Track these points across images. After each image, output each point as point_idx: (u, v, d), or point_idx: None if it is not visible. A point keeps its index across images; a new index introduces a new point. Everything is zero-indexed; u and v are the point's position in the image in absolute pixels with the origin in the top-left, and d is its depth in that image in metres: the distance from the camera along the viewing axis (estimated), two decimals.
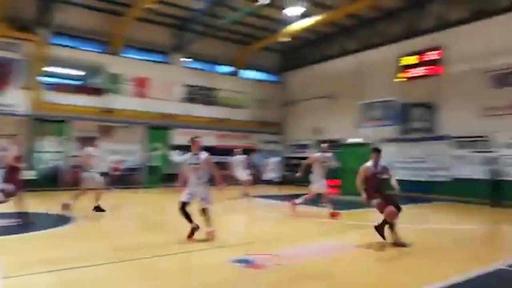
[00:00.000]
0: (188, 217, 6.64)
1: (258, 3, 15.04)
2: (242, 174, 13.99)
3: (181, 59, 20.22)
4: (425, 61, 15.96)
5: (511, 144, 13.36)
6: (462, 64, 14.81)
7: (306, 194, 9.88)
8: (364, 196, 6.82)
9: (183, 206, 6.61)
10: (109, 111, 17.57)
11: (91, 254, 5.63)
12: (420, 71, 16.13)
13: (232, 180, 13.04)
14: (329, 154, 12.38)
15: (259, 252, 5.83)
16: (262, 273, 4.94)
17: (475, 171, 13.52)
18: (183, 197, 6.63)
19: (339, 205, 12.67)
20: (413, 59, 16.39)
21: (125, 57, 18.59)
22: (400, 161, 16.67)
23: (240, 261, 5.33)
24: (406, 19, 16.86)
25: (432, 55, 15.75)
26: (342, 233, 8.08)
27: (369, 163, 6.98)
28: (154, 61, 19.47)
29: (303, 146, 21.53)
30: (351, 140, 18.79)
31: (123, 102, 18.00)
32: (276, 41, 19.60)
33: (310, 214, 10.88)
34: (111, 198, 10.96)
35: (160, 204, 12.28)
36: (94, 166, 9.44)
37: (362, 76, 18.53)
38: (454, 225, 9.09)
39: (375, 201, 6.75)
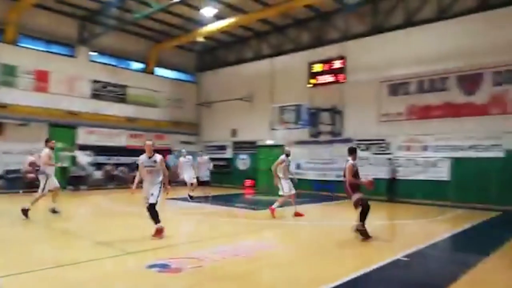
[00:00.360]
0: (156, 217, 6.99)
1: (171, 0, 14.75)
2: (189, 175, 13.65)
3: (89, 53, 18.86)
4: (331, 69, 17.18)
5: (402, 147, 15.04)
6: (362, 73, 16.26)
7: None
8: (349, 191, 7.29)
9: (153, 207, 6.98)
10: (2, 106, 15.64)
11: None
12: (327, 78, 17.29)
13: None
14: (206, 157, 13.84)
15: (176, 255, 5.71)
16: (178, 277, 4.84)
17: (376, 171, 14.87)
18: (151, 199, 7.00)
19: (255, 205, 13.05)
20: (321, 67, 17.53)
21: (22, 47, 16.71)
22: (310, 162, 17.71)
23: (155, 266, 5.15)
24: (315, 28, 17.97)
25: (337, 64, 17.01)
26: (258, 233, 8.27)
27: (352, 161, 7.32)
28: (57, 53, 17.80)
29: (221, 148, 21.59)
30: (263, 143, 19.41)
31: (19, 96, 16.17)
32: (192, 40, 19.40)
33: (225, 214, 10.96)
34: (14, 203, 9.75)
35: (66, 209, 11.24)
36: None
37: (275, 80, 19.27)
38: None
39: (357, 196, 7.18)
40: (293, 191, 10.10)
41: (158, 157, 7.24)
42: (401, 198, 14.13)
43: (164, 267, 5.13)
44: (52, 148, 9.64)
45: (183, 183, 14.02)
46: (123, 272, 5.08)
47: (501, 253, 6.49)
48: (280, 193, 10.11)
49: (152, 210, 7.03)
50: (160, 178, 7.25)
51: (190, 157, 14.14)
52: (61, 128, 17.43)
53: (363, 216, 7.23)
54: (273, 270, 5.33)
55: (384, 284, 5.06)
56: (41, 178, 9.45)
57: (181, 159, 14.02)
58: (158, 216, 7.04)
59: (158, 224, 7.02)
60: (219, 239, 7.38)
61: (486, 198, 12.80)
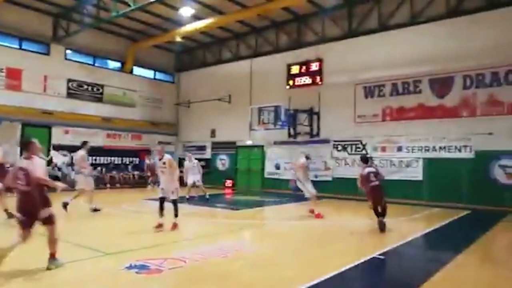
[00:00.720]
0: (162, 210, 7.93)
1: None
2: (195, 178, 13.37)
3: (64, 52, 18.44)
4: (309, 71, 17.42)
5: (378, 148, 15.41)
6: (339, 75, 16.57)
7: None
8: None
9: (162, 201, 8.01)
10: None
11: None
12: (305, 79, 17.52)
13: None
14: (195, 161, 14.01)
15: (155, 256, 5.70)
16: (157, 278, 4.85)
17: (354, 171, 15.15)
18: (172, 196, 8.04)
19: (235, 205, 13.11)
20: (298, 69, 17.74)
21: None
22: (288, 162, 17.86)
23: (134, 267, 5.14)
24: (293, 31, 18.18)
25: (314, 66, 17.26)
26: (238, 233, 8.34)
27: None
28: (30, 51, 17.33)
29: (200, 148, 21.52)
30: (243, 143, 19.48)
31: None
32: (170, 40, 19.26)
33: (205, 214, 10.98)
34: None
35: None
36: None
37: (254, 81, 19.37)
38: (338, 220, 10.11)
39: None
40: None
41: (166, 158, 8.10)
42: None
43: (143, 268, 5.11)
44: (88, 151, 10.46)
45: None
46: (100, 274, 5.03)
47: (472, 250, 6.77)
48: (307, 195, 10.24)
49: (175, 205, 8.02)
50: (174, 177, 8.17)
51: (196, 161, 13.81)
52: (35, 128, 17.00)
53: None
54: (253, 270, 5.39)
55: (359, 282, 5.23)
56: (78, 178, 10.20)
57: (187, 163, 13.68)
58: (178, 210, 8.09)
59: (175, 218, 7.99)
60: (199, 240, 7.41)
61: (458, 197, 13.29)
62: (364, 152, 15.51)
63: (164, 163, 8.05)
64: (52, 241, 5.15)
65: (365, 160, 8.93)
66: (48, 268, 5.00)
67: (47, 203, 5.11)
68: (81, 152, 10.17)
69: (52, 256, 5.11)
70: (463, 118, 13.65)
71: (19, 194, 5.06)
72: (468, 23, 13.53)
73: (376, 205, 8.29)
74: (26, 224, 4.96)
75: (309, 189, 10.20)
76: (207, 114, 21.23)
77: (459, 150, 13.62)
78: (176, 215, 8.01)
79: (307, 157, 10.64)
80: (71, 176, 17.85)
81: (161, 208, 7.96)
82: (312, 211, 10.14)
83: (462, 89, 13.71)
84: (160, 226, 7.83)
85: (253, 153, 19.52)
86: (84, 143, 10.47)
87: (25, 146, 5.33)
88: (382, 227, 8.04)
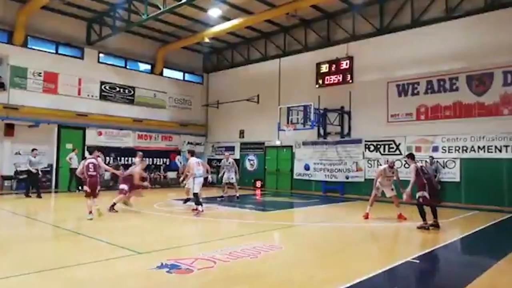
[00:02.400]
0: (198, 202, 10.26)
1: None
2: (229, 176, 14.13)
3: (97, 55, 18.99)
4: (339, 69, 17.09)
5: (411, 148, 14.86)
6: (370, 73, 16.19)
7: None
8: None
9: (195, 195, 10.20)
10: (13, 107, 15.82)
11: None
12: (335, 78, 17.21)
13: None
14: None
15: (185, 256, 5.69)
16: (188, 277, 4.82)
17: None
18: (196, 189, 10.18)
19: (263, 206, 13.03)
20: (328, 67, 17.44)
21: (32, 49, 16.89)
22: (318, 163, 17.62)
23: (165, 266, 5.14)
24: (322, 29, 17.89)
25: (345, 65, 16.91)
26: (268, 234, 8.23)
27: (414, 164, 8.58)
28: (66, 55, 17.95)
29: (229, 148, 21.61)
30: (271, 143, 19.37)
31: (29, 98, 16.34)
32: (199, 41, 19.42)
33: (234, 215, 10.94)
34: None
35: (73, 210, 11.31)
36: None
37: (283, 81, 19.23)
38: (369, 222, 9.81)
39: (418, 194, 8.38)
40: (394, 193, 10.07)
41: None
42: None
43: (173, 267, 5.11)
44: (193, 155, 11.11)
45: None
46: (132, 273, 5.06)
47: None
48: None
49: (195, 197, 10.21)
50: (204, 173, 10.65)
51: (232, 160, 14.53)
52: (71, 129, 17.59)
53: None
54: (283, 271, 5.29)
55: (391, 287, 5.00)
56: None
57: (223, 162, 14.61)
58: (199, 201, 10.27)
59: (198, 206, 10.12)
60: (229, 240, 7.35)
61: (498, 200, 12.64)
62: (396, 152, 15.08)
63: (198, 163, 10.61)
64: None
65: (412, 156, 9.03)
66: None
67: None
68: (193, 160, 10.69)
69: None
70: (504, 116, 12.96)
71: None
72: (509, 15, 12.85)
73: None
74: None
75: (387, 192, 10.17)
76: (235, 115, 21.28)
77: (500, 150, 12.95)
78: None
79: (391, 166, 9.98)
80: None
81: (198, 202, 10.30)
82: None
83: (502, 86, 13.04)
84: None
85: (281, 154, 19.38)
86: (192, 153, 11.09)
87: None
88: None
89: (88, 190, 9.04)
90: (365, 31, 16.39)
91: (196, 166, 10.32)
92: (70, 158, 15.90)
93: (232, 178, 14.01)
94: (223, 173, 14.24)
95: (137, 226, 8.74)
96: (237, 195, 13.97)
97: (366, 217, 9.81)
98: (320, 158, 17.58)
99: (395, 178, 9.88)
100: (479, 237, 8.33)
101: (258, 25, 18.37)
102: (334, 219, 9.89)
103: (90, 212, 8.88)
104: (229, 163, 14.25)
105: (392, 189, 10.03)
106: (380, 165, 15.22)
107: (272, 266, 5.46)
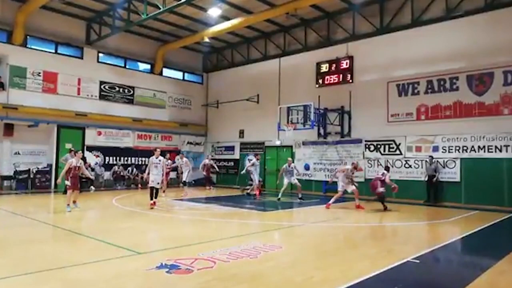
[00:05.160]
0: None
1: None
2: (255, 176, 15.51)
3: (97, 55, 18.96)
4: (339, 69, 17.07)
5: (411, 148, 14.87)
6: (370, 73, 16.18)
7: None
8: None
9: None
10: (12, 107, 15.80)
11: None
12: (335, 78, 17.19)
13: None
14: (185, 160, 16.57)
15: (185, 256, 5.67)
16: (188, 277, 4.80)
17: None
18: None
19: (263, 206, 13.01)
20: (328, 67, 17.42)
21: (31, 48, 16.86)
22: (318, 163, 17.60)
23: (164, 266, 5.12)
24: (322, 28, 17.87)
25: (345, 64, 16.90)
26: (268, 234, 8.22)
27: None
28: (65, 55, 17.93)
29: (229, 148, 21.58)
30: (271, 143, 19.35)
31: (28, 98, 16.32)
32: (198, 41, 19.40)
33: (234, 215, 10.93)
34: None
35: (73, 210, 11.28)
36: None
37: (283, 81, 19.21)
38: (369, 222, 9.80)
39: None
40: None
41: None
42: (412, 200, 13.97)
43: (173, 267, 5.10)
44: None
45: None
46: (132, 273, 5.04)
47: None
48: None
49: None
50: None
51: (253, 160, 15.67)
52: (70, 129, 17.57)
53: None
54: (283, 271, 5.27)
55: (391, 287, 4.97)
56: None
57: (247, 161, 15.91)
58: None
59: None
60: (228, 240, 7.33)
61: (498, 200, 12.63)
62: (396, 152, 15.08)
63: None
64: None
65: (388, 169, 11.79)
66: None
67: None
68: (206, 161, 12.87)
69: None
70: (504, 116, 12.95)
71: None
72: (509, 16, 12.84)
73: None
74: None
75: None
76: (235, 114, 21.26)
77: (500, 150, 12.94)
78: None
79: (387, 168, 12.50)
80: (104, 176, 18.36)
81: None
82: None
83: (503, 86, 13.03)
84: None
85: (281, 154, 19.36)
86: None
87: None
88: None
89: (71, 185, 10.44)
90: (365, 31, 16.39)
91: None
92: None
93: (294, 179, 14.60)
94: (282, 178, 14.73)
95: (137, 226, 8.72)
96: (300, 195, 14.58)
97: (327, 207, 11.78)
98: (320, 158, 17.57)
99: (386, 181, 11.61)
100: (479, 237, 8.30)
101: (258, 24, 18.35)
102: (334, 219, 9.87)
103: (69, 205, 10.28)
104: (251, 162, 15.62)
105: (353, 185, 12.06)
106: (380, 165, 15.30)
107: (272, 266, 5.44)
